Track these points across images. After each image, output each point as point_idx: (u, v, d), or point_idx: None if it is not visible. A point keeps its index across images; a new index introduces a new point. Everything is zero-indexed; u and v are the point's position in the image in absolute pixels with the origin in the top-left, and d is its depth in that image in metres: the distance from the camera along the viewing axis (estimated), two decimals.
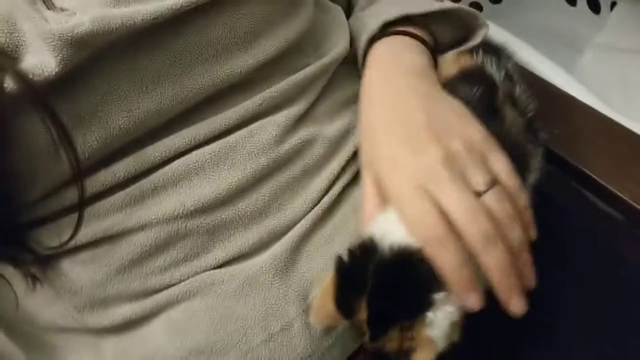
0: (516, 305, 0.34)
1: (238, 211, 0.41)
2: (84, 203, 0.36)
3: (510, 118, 0.42)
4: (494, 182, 0.35)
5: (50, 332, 0.44)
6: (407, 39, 0.47)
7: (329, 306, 0.36)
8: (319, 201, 0.44)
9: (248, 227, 0.42)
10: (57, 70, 0.32)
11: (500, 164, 0.37)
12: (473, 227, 0.33)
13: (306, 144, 0.44)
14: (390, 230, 0.36)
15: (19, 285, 0.40)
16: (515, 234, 0.35)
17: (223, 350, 0.40)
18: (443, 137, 0.36)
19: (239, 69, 0.40)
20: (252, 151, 0.41)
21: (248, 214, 0.41)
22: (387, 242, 0.35)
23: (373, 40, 0.48)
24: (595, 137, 0.52)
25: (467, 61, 0.46)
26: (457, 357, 0.35)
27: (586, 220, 0.53)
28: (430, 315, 0.33)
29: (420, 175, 0.35)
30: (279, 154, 0.42)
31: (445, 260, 0.33)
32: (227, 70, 0.40)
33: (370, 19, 0.49)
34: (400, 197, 0.36)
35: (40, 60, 0.32)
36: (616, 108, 0.54)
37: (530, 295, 0.35)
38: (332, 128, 0.45)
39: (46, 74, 0.32)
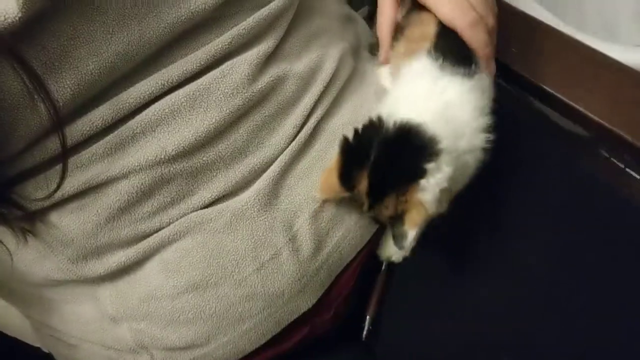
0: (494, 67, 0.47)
1: (218, 152, 0.42)
2: (67, 150, 0.37)
3: None
4: None
5: (45, 287, 0.45)
6: None
7: (333, 180, 0.42)
8: (295, 136, 0.46)
9: (230, 167, 0.43)
10: (19, 14, 0.32)
11: None
12: (489, 19, 0.46)
13: (278, 82, 0.44)
14: (396, 108, 0.42)
15: (10, 243, 0.40)
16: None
17: (218, 283, 0.42)
18: None
19: (203, 6, 0.40)
20: (227, 92, 0.42)
21: (228, 154, 0.43)
22: (392, 119, 0.41)
23: None
24: (548, 51, 0.53)
25: None
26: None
27: (547, 138, 0.56)
28: (423, 182, 0.39)
29: None
30: (252, 93, 0.43)
31: (479, 38, 0.45)
32: (192, 8, 0.39)
33: None
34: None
35: (2, 7, 0.32)
36: (571, 22, 0.56)
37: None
38: (301, 64, 0.46)
39: (9, 20, 0.32)
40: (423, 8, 0.47)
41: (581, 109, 0.49)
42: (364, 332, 0.53)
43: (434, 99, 0.42)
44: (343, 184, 0.41)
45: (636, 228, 0.50)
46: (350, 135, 0.42)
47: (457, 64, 0.43)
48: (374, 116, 0.42)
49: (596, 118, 0.48)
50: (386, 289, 0.53)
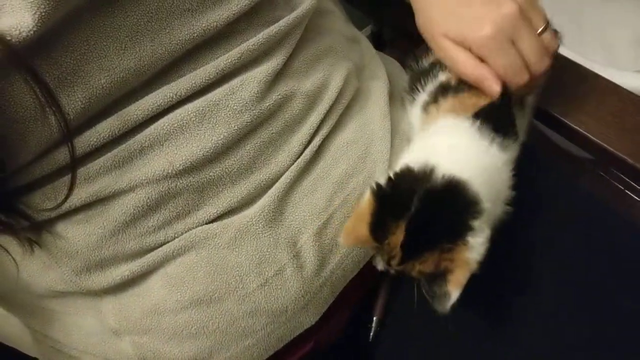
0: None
1: (225, 168, 0.43)
2: (76, 161, 0.37)
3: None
4: (546, 23, 0.46)
5: (48, 297, 0.45)
6: None
7: (362, 230, 0.39)
8: (301, 154, 0.46)
9: (236, 183, 0.43)
10: (34, 29, 0.32)
11: (544, 12, 0.47)
12: (538, 67, 0.45)
13: (286, 100, 0.45)
14: (441, 159, 0.40)
15: (16, 253, 0.41)
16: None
17: (221, 298, 0.42)
18: None
19: (215, 23, 0.40)
20: (235, 108, 0.42)
21: (235, 170, 0.43)
22: (440, 172, 0.39)
23: None
24: (555, 77, 0.54)
25: None
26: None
27: (550, 159, 0.57)
28: (471, 239, 0.38)
29: (505, 26, 0.43)
30: (260, 111, 0.43)
31: (523, 92, 0.46)
32: (204, 24, 0.40)
33: None
34: (491, 48, 0.44)
35: (17, 21, 0.32)
36: (572, 48, 0.56)
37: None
38: (308, 82, 0.47)
39: (24, 34, 0.32)
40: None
41: (586, 133, 0.49)
42: (371, 334, 0.52)
43: (478, 157, 0.41)
44: (374, 235, 0.39)
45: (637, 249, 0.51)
46: (383, 181, 0.40)
47: (496, 133, 0.42)
48: (410, 163, 0.40)
49: (601, 143, 0.48)
50: (393, 290, 0.53)
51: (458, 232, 0.38)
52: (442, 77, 0.48)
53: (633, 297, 0.48)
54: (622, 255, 0.50)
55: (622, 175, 0.53)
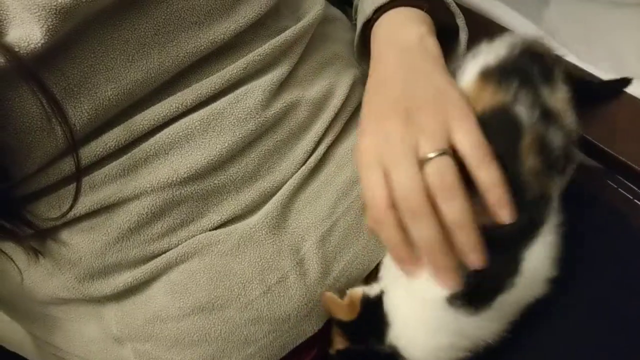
0: (444, 282, 0.34)
1: (230, 176, 0.43)
2: (81, 172, 0.37)
3: (531, 163, 0.38)
4: (444, 152, 0.34)
5: (50, 304, 0.45)
6: (401, 12, 0.46)
7: (339, 311, 0.43)
8: (305, 161, 0.46)
9: (240, 191, 0.43)
10: (42, 41, 0.33)
11: (465, 134, 0.34)
12: (404, 203, 0.34)
13: (291, 108, 0.45)
14: (396, 324, 0.42)
15: (21, 261, 0.41)
16: (452, 208, 0.33)
17: (224, 305, 0.42)
18: (410, 108, 0.37)
19: (222, 35, 0.41)
20: (240, 117, 0.42)
21: (239, 178, 0.43)
22: (391, 335, 0.41)
23: (368, 23, 0.48)
24: None
25: (491, 99, 0.39)
26: None
27: None
28: None
29: (379, 145, 0.37)
30: (265, 119, 0.43)
31: (386, 237, 0.36)
32: (210, 37, 0.40)
33: (364, 4, 0.49)
34: (361, 165, 0.38)
35: (26, 33, 0.33)
36: (580, 56, 0.56)
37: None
38: (313, 90, 0.47)
39: (32, 46, 0.33)
40: None
41: (595, 141, 0.49)
42: None
43: (429, 335, 0.41)
44: (340, 330, 0.43)
45: None
46: (374, 293, 0.43)
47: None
48: (385, 298, 0.42)
49: (610, 150, 0.48)
50: None
51: None
52: None
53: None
54: (629, 260, 0.50)
55: (630, 184, 0.52)
